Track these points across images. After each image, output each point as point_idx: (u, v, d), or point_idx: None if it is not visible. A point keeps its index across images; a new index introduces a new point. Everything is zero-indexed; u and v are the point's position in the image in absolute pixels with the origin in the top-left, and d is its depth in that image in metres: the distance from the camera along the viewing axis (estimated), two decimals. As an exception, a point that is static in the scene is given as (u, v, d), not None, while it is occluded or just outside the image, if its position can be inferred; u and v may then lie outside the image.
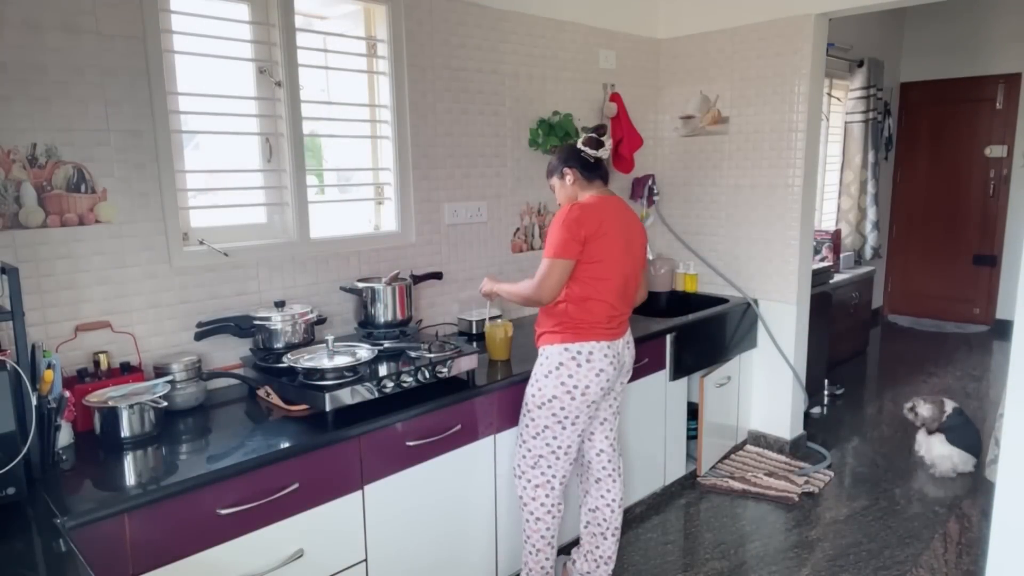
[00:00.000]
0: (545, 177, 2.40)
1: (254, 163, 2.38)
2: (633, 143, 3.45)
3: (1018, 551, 1.53)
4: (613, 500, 2.36)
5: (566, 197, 2.23)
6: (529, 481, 2.23)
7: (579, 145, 2.20)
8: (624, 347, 2.25)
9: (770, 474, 3.27)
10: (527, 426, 2.21)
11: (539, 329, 2.23)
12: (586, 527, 2.41)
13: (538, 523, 2.24)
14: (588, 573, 2.41)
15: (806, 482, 3.19)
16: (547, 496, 2.22)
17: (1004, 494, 1.54)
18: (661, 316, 3.32)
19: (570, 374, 2.11)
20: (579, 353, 2.11)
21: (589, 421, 2.22)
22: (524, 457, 2.24)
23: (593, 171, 2.21)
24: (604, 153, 2.21)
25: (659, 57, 3.76)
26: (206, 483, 1.60)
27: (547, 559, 2.29)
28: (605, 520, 2.37)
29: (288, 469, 1.75)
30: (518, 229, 3.16)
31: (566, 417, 2.14)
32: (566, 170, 2.21)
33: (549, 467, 2.20)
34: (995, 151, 5.74)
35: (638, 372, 2.83)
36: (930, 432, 3.34)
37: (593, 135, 2.21)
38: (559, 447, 2.18)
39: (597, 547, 2.39)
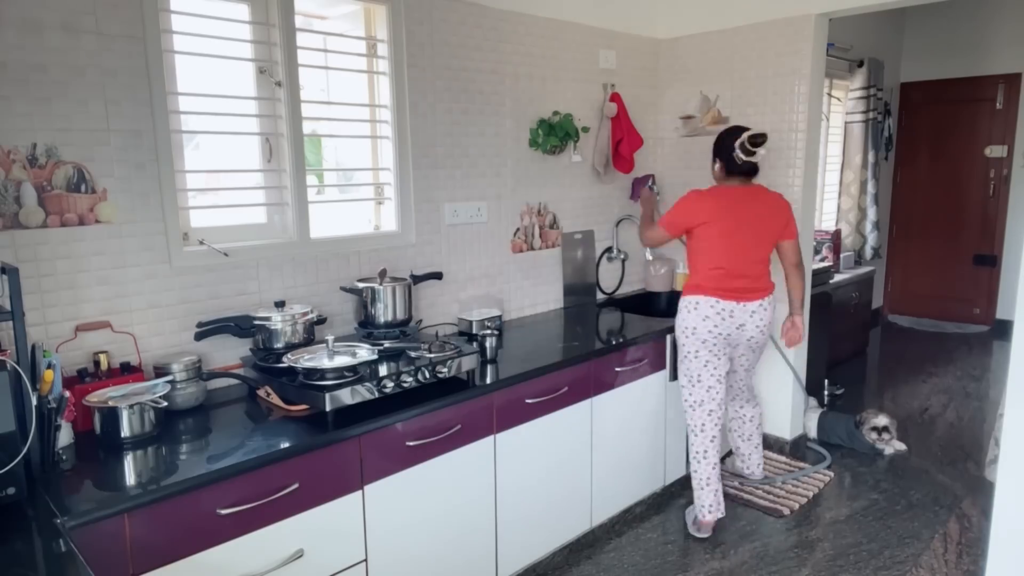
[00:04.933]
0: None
1: (254, 163, 2.38)
2: (633, 143, 3.46)
3: (1018, 551, 1.53)
4: (746, 414, 3.11)
5: (712, 176, 2.83)
6: (684, 400, 2.85)
7: (735, 143, 2.64)
8: (743, 311, 2.72)
9: (767, 479, 3.27)
10: (679, 361, 2.88)
11: None
12: (731, 432, 3.18)
13: (693, 437, 2.83)
14: (740, 471, 3.21)
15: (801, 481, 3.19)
16: (694, 413, 2.82)
17: (1004, 494, 1.54)
18: (661, 316, 3.33)
19: (683, 318, 2.79)
20: (688, 302, 2.77)
21: (719, 359, 2.77)
22: (680, 390, 2.89)
23: (734, 167, 2.70)
24: (754, 159, 2.67)
25: (659, 57, 3.76)
26: (206, 483, 1.60)
27: (703, 468, 2.80)
28: (743, 427, 3.13)
29: (288, 469, 1.75)
30: (518, 229, 3.16)
31: (689, 351, 2.78)
32: (716, 159, 2.76)
33: (690, 393, 2.82)
34: (995, 151, 5.74)
35: (638, 372, 2.83)
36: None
37: (749, 142, 2.62)
38: (693, 375, 2.79)
39: (739, 447, 3.16)
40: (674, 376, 3.02)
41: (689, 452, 2.88)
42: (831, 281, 4.65)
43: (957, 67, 5.80)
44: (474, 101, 2.90)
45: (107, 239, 1.98)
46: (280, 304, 2.22)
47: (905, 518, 2.93)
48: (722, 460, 3.43)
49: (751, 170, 2.72)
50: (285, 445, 1.76)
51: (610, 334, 2.92)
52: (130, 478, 1.63)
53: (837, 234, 5.10)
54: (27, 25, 1.80)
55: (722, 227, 2.67)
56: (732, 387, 3.05)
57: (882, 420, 3.52)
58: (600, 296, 3.60)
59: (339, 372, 1.96)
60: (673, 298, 3.73)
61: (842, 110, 5.36)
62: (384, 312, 2.44)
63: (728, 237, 2.68)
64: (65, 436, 1.74)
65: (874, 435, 3.51)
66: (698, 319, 2.72)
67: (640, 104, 3.69)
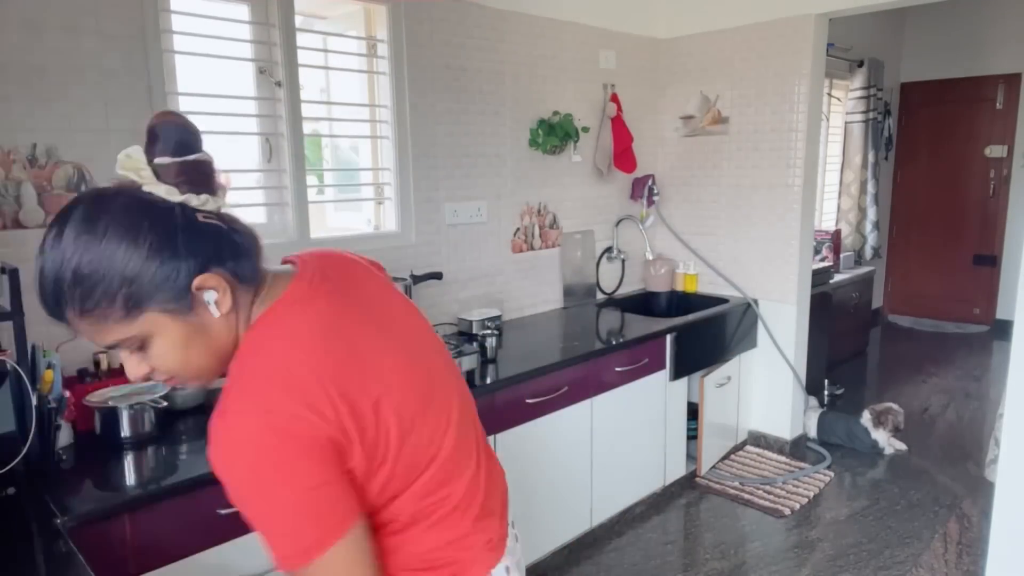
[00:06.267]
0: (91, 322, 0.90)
1: (254, 163, 2.38)
2: (623, 141, 3.43)
3: (1018, 551, 1.53)
4: None
5: (213, 352, 0.88)
6: None
7: (176, 198, 0.82)
8: (513, 542, 1.13)
9: (767, 480, 3.27)
10: None
11: None
12: None
13: None
14: None
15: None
16: None
17: (1004, 494, 1.54)
18: (661, 316, 3.33)
19: None
20: None
21: None
22: None
23: (248, 254, 0.88)
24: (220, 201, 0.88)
25: (659, 57, 3.76)
26: (206, 483, 1.60)
27: None
28: None
29: (288, 469, 1.75)
30: (518, 229, 3.16)
31: None
32: (201, 287, 0.83)
33: None
34: (995, 151, 5.74)
35: (638, 372, 2.83)
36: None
37: (174, 158, 0.84)
38: None
39: None
40: (674, 376, 3.02)
41: None
42: (831, 281, 4.65)
43: (957, 67, 5.79)
44: (474, 101, 2.89)
45: (107, 239, 1.98)
46: (280, 304, 2.22)
47: (905, 518, 2.93)
48: (722, 460, 3.43)
49: (258, 240, 0.91)
50: (285, 445, 1.75)
51: (610, 334, 2.93)
52: (130, 478, 1.63)
53: (837, 234, 5.10)
54: (27, 25, 1.79)
55: (398, 360, 0.92)
56: None
57: (882, 406, 3.54)
58: (600, 296, 3.60)
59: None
60: (673, 298, 3.73)
61: (842, 110, 5.36)
62: (384, 312, 2.43)
63: (427, 403, 0.95)
64: (65, 436, 1.74)
65: (872, 423, 3.51)
66: None
67: (640, 104, 3.69)
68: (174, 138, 0.83)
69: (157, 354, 0.83)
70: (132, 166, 0.81)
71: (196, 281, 0.81)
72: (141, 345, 0.82)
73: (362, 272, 1.02)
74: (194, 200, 0.82)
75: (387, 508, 0.91)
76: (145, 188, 0.80)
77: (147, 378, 0.87)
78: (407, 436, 0.89)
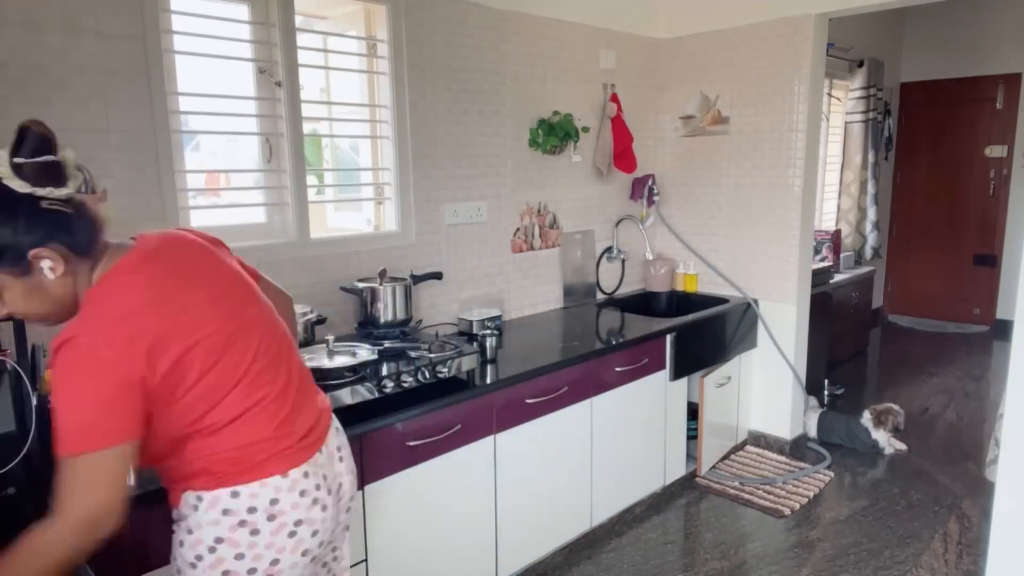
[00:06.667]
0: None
1: (254, 163, 2.38)
2: (623, 141, 3.43)
3: (1018, 551, 1.53)
4: None
5: (50, 305, 1.15)
6: None
7: (23, 187, 1.08)
8: (330, 461, 1.37)
9: (768, 481, 3.27)
10: None
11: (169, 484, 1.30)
12: None
13: None
14: None
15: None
16: None
17: (1004, 494, 1.54)
18: (661, 316, 3.33)
19: (237, 554, 1.23)
20: (250, 510, 1.23)
21: None
22: None
23: (85, 230, 1.15)
24: (75, 184, 1.15)
25: (659, 57, 3.76)
26: (206, 483, 1.60)
27: None
28: None
29: (288, 469, 1.75)
30: (518, 229, 3.16)
31: None
32: (38, 256, 1.10)
33: None
34: (995, 151, 5.74)
35: (638, 372, 2.83)
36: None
37: (33, 159, 1.10)
38: None
39: None
40: (674, 376, 3.02)
41: None
42: (831, 281, 4.65)
43: (957, 67, 5.80)
44: (474, 101, 2.90)
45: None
46: (280, 304, 2.22)
47: (905, 518, 2.93)
48: (722, 460, 3.43)
49: (100, 221, 1.20)
50: (285, 445, 1.75)
51: (610, 334, 2.92)
52: (129, 478, 1.63)
53: (837, 234, 5.10)
54: (27, 25, 1.80)
55: (207, 328, 1.20)
56: None
57: (882, 406, 3.55)
58: (600, 296, 3.60)
59: (339, 372, 1.96)
60: (673, 298, 3.73)
61: (842, 110, 5.36)
62: (384, 312, 2.44)
63: (238, 336, 1.25)
64: (65, 436, 1.74)
65: (873, 423, 3.51)
66: (281, 538, 1.26)
67: (640, 104, 3.69)
68: (32, 144, 1.10)
69: (8, 301, 1.13)
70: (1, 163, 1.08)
71: (31, 252, 1.09)
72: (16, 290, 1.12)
73: (195, 247, 1.29)
74: (40, 191, 1.09)
75: (202, 419, 1.20)
76: (4, 181, 1.08)
77: (7, 317, 1.17)
78: (209, 371, 1.19)
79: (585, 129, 3.34)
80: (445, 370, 2.17)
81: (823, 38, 3.28)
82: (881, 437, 3.52)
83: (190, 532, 1.25)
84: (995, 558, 1.57)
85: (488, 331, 2.50)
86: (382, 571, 2.01)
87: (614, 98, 3.43)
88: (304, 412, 1.34)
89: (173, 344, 1.14)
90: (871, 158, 5.38)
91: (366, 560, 1.96)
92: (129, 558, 1.50)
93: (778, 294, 3.46)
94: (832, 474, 3.31)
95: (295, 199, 2.40)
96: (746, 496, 3.10)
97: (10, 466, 1.43)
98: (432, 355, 2.17)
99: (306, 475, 1.29)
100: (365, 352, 2.07)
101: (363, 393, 1.96)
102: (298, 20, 2.36)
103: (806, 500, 3.07)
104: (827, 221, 5.46)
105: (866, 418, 3.55)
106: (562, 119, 3.18)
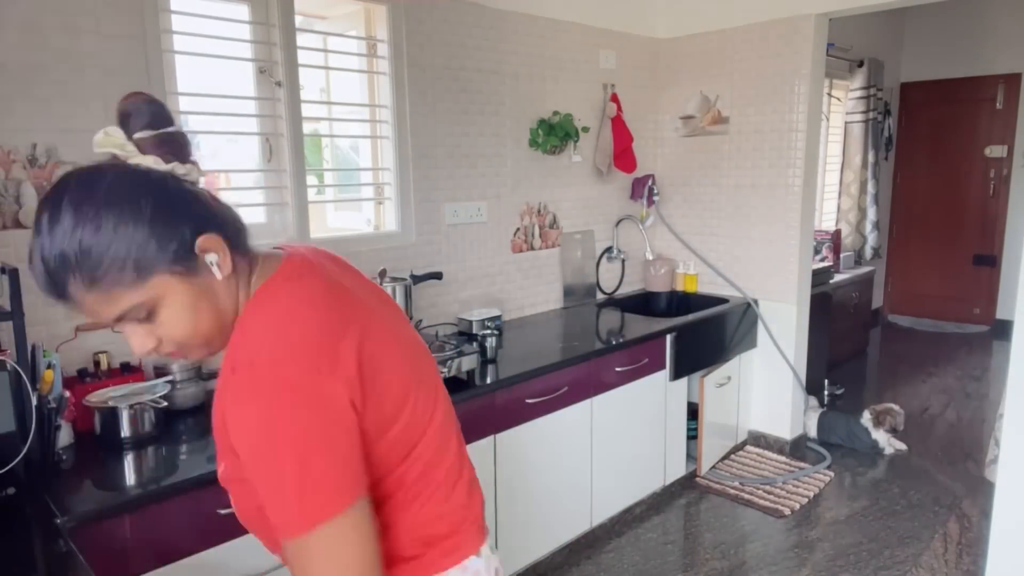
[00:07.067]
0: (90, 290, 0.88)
1: (254, 163, 2.38)
2: (623, 141, 3.43)
3: (1018, 551, 1.53)
4: None
5: (218, 317, 0.88)
6: None
7: (160, 165, 0.85)
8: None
9: (768, 481, 3.27)
10: None
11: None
12: None
13: None
14: None
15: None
16: None
17: (1004, 494, 1.54)
18: (661, 316, 3.33)
19: None
20: None
21: None
22: None
23: (231, 223, 0.90)
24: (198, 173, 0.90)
25: (659, 57, 3.76)
26: (206, 483, 1.60)
27: None
28: None
29: (288, 469, 1.75)
30: (518, 229, 3.16)
31: None
32: (204, 241, 0.84)
33: None
34: (995, 151, 5.74)
35: (638, 372, 2.83)
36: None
37: (150, 132, 0.85)
38: None
39: None
40: (674, 376, 3.02)
41: None
42: (831, 281, 4.65)
43: (957, 67, 5.79)
44: (474, 101, 2.90)
45: (107, 239, 1.98)
46: (280, 304, 2.22)
47: (905, 518, 2.93)
48: (722, 460, 3.43)
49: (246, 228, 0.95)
50: (285, 445, 1.75)
51: (610, 334, 2.92)
52: (130, 478, 1.63)
53: (837, 234, 5.10)
54: (27, 25, 1.79)
55: (397, 360, 0.93)
56: None
57: (882, 407, 3.56)
58: (600, 296, 3.60)
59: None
60: (673, 298, 3.73)
61: (842, 110, 5.36)
62: (384, 312, 2.44)
63: (416, 372, 0.97)
64: (65, 436, 1.74)
65: (873, 423, 3.52)
66: None
67: (640, 104, 3.69)
68: (147, 113, 0.84)
69: (166, 320, 0.82)
70: (112, 143, 0.82)
71: (199, 241, 0.82)
72: (148, 314, 0.81)
73: (343, 262, 1.03)
74: (180, 169, 0.84)
75: (385, 480, 0.91)
76: (131, 161, 0.82)
77: (153, 352, 0.85)
78: (406, 400, 0.91)
79: (585, 129, 3.34)
80: (445, 370, 2.17)
81: (823, 38, 3.28)
82: (881, 437, 3.52)
83: None
84: (995, 558, 1.57)
85: (488, 331, 2.50)
86: (382, 571, 2.00)
87: (614, 98, 3.43)
88: (475, 480, 1.08)
89: (374, 369, 0.86)
90: (871, 158, 5.38)
91: (366, 560, 1.96)
92: (129, 558, 1.50)
93: (778, 294, 3.46)
94: (832, 474, 3.31)
95: (295, 199, 2.40)
96: (746, 496, 3.10)
97: (10, 466, 1.43)
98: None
99: (491, 550, 1.03)
100: (365, 352, 2.06)
101: (363, 393, 1.96)
102: (298, 20, 2.36)
103: (806, 500, 3.07)
104: (827, 221, 5.46)
105: (866, 418, 3.55)
106: (562, 119, 3.18)
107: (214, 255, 0.83)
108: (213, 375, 2.11)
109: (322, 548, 0.78)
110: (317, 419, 0.78)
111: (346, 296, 0.90)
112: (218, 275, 0.84)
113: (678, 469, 3.17)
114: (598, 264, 3.58)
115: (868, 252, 5.51)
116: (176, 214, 0.81)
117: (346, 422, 0.81)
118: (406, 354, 0.94)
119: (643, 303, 3.70)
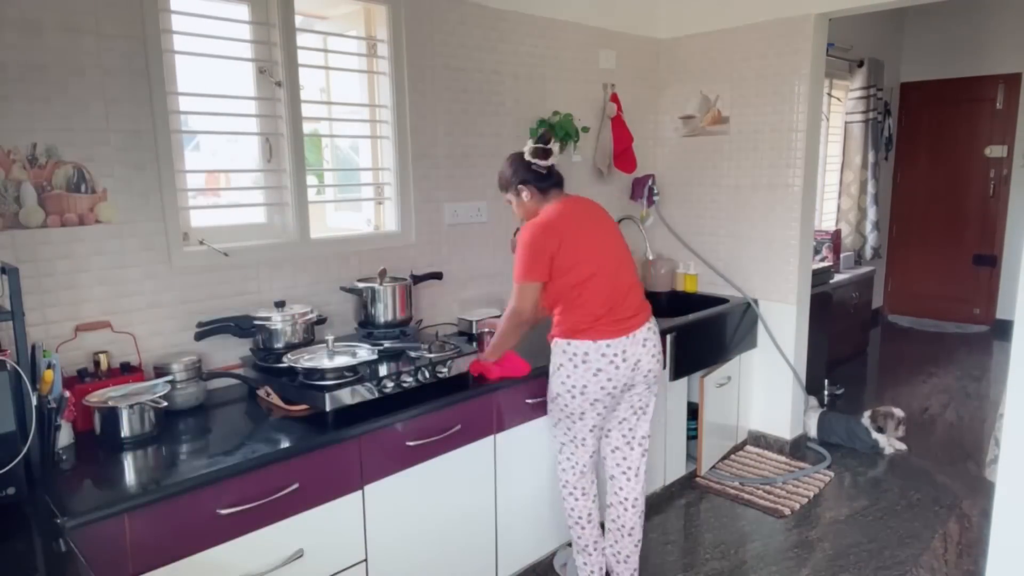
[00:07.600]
0: (500, 190, 2.34)
1: (254, 163, 2.38)
2: (623, 141, 3.43)
3: (1018, 551, 1.53)
4: (626, 499, 2.36)
5: (525, 212, 2.27)
6: (559, 464, 2.35)
7: (528, 157, 2.22)
8: (634, 344, 2.16)
9: (768, 481, 3.27)
10: (549, 415, 2.33)
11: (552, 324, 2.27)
12: (605, 523, 2.44)
13: (566, 502, 2.35)
14: (611, 570, 2.43)
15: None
16: (572, 477, 2.32)
17: (1004, 494, 1.54)
18: (661, 316, 3.32)
19: (568, 374, 2.17)
20: (575, 354, 2.15)
21: (605, 416, 2.25)
22: (553, 441, 2.38)
23: (547, 181, 2.24)
24: (554, 159, 2.23)
25: (659, 57, 3.76)
26: (206, 483, 1.60)
27: (582, 536, 2.35)
28: (619, 517, 2.38)
29: (288, 469, 1.75)
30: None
31: (572, 413, 2.22)
32: (521, 187, 2.24)
33: (572, 454, 2.30)
34: (995, 151, 5.74)
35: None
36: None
37: (539, 145, 2.22)
38: (574, 437, 2.27)
39: (615, 543, 2.41)
40: (674, 376, 3.03)
41: (570, 516, 2.36)
42: (831, 281, 4.65)
43: (957, 67, 5.80)
44: (474, 101, 2.90)
45: (107, 239, 1.98)
46: (280, 304, 2.22)
47: (905, 518, 2.93)
48: (722, 460, 3.43)
49: (561, 179, 2.28)
50: (285, 445, 1.76)
51: (610, 334, 2.92)
52: (130, 478, 1.63)
53: (837, 234, 5.10)
54: (27, 25, 1.80)
55: (590, 244, 2.16)
56: (616, 450, 2.35)
57: (884, 409, 3.57)
58: (600, 296, 3.59)
59: (339, 372, 1.96)
60: (673, 298, 3.73)
61: (842, 110, 5.36)
62: (384, 312, 2.44)
63: (598, 256, 2.16)
64: (65, 436, 1.74)
65: (874, 428, 3.52)
66: (587, 375, 2.13)
67: (640, 104, 3.69)
68: (543, 138, 2.24)
69: (516, 203, 2.29)
70: (527, 147, 2.23)
71: (519, 185, 2.25)
72: (514, 201, 2.30)
73: (592, 206, 2.29)
74: (536, 162, 2.21)
75: (567, 291, 2.16)
76: (524, 153, 2.24)
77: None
78: (571, 269, 2.13)
79: (585, 129, 3.34)
80: (445, 370, 2.17)
81: (823, 38, 3.28)
82: (881, 437, 3.52)
83: (552, 357, 2.22)
84: (995, 558, 1.57)
85: (488, 331, 2.50)
86: (382, 571, 2.00)
87: (614, 98, 3.43)
88: (625, 308, 2.17)
89: (566, 244, 2.12)
90: (871, 158, 5.38)
91: (366, 560, 1.96)
92: (129, 558, 1.50)
93: (778, 294, 3.46)
94: (832, 474, 3.31)
95: (295, 199, 2.40)
96: (746, 496, 3.10)
97: (10, 466, 1.44)
98: (432, 355, 2.17)
99: (608, 345, 2.13)
100: (365, 352, 2.07)
101: (363, 393, 1.96)
102: (298, 20, 2.36)
103: (806, 500, 3.07)
104: (827, 221, 5.46)
105: (866, 418, 3.54)
106: (562, 119, 3.18)
107: (526, 193, 2.24)
108: (213, 375, 2.11)
109: (518, 291, 2.15)
110: (533, 244, 2.12)
111: (573, 221, 2.17)
112: (526, 198, 2.25)
113: (678, 469, 3.17)
114: (598, 264, 3.58)
115: (868, 252, 5.51)
116: (516, 172, 2.25)
117: (543, 253, 2.11)
118: (581, 249, 2.14)
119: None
